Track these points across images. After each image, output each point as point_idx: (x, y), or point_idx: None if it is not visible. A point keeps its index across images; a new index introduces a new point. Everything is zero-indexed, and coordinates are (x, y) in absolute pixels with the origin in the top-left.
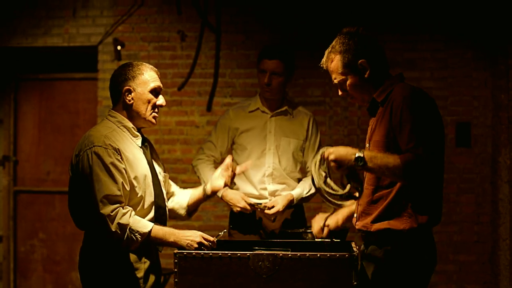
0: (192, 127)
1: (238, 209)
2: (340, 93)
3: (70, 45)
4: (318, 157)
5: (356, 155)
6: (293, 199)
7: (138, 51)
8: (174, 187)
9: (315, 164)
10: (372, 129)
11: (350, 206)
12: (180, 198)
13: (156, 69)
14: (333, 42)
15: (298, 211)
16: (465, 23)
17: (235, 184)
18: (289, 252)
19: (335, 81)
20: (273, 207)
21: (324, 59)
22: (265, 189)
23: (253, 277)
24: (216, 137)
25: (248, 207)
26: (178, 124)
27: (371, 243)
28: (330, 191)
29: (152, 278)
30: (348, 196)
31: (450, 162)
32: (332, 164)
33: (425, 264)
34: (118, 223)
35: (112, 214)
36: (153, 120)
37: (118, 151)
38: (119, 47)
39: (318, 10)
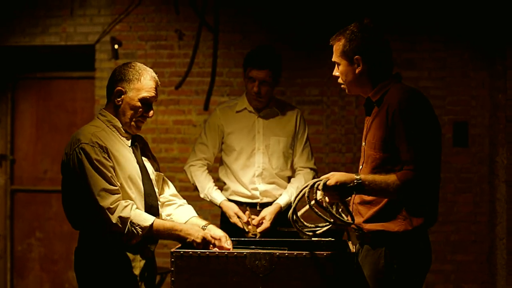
0: (189, 126)
1: (231, 221)
2: (334, 72)
3: (67, 44)
4: (309, 187)
5: (355, 179)
6: (281, 208)
7: (136, 50)
8: (177, 199)
9: (308, 192)
10: (367, 129)
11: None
12: (179, 215)
13: (157, 79)
14: (350, 26)
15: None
16: (464, 24)
17: (225, 183)
18: (286, 251)
19: (333, 59)
20: (261, 223)
21: (334, 36)
22: (256, 189)
23: (249, 276)
24: (207, 138)
25: (240, 225)
26: (176, 123)
27: (365, 243)
28: (329, 219)
29: (147, 277)
30: (345, 223)
31: (448, 161)
32: (331, 190)
33: (420, 265)
34: (119, 217)
35: (112, 206)
36: (134, 130)
37: (105, 149)
38: (116, 46)
39: (315, 11)
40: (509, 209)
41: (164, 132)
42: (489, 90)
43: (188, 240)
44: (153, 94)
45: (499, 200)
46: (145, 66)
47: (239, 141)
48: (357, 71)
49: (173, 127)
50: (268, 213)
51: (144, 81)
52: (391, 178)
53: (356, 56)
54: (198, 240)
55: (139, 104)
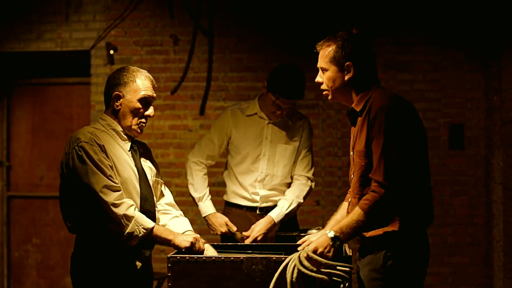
0: (185, 131)
1: (219, 233)
2: (316, 79)
3: (63, 49)
4: (297, 262)
5: (332, 236)
6: (274, 222)
7: (131, 55)
8: (174, 210)
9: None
10: (354, 138)
11: None
12: (174, 227)
13: (151, 78)
14: (340, 32)
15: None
16: (458, 26)
17: (226, 185)
18: (283, 256)
19: (318, 65)
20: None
21: (322, 42)
22: (256, 193)
23: (246, 281)
24: (214, 136)
25: (229, 233)
26: (171, 128)
27: (365, 246)
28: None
29: (143, 281)
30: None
31: (444, 164)
32: (316, 256)
33: (419, 264)
34: (125, 214)
35: (116, 202)
36: (138, 131)
37: (103, 148)
38: (111, 52)
39: (311, 14)
40: (506, 211)
41: (160, 137)
42: (484, 92)
43: (175, 244)
44: (151, 93)
45: (495, 202)
46: (138, 68)
47: (245, 145)
48: (346, 77)
49: (169, 132)
50: (259, 225)
51: (140, 81)
52: (355, 214)
53: (348, 63)
54: (179, 243)
55: (138, 105)
